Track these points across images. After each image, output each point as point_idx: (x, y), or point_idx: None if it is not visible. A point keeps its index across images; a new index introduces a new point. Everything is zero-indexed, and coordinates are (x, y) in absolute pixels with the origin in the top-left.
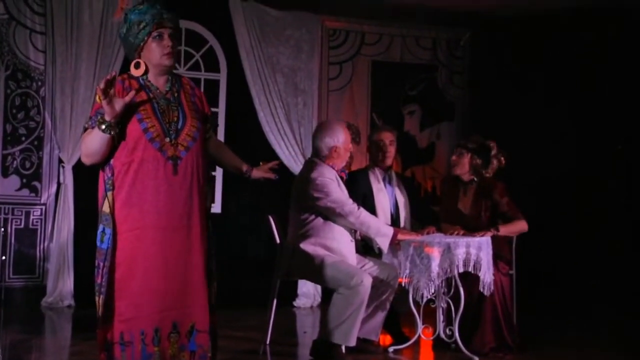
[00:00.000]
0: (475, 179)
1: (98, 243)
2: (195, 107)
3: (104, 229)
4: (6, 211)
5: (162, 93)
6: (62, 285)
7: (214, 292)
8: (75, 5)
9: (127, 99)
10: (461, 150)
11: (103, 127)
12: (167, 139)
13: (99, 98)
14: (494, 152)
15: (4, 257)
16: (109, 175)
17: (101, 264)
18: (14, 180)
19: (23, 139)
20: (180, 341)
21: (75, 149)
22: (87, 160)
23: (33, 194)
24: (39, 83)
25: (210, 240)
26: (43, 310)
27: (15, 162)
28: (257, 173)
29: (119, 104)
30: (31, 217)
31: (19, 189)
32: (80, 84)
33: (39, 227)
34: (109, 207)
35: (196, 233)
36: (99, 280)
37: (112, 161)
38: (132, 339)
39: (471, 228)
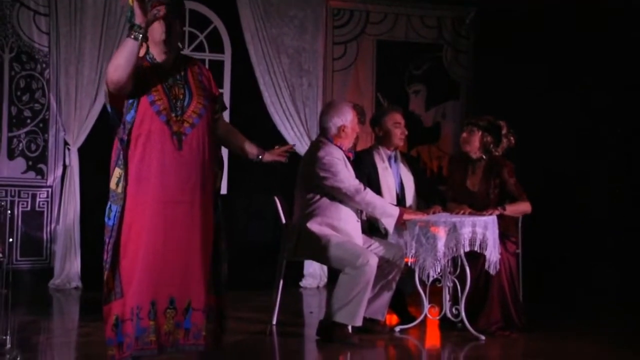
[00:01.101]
0: (484, 156)
1: (105, 219)
2: (202, 86)
3: (110, 205)
4: (12, 194)
5: (168, 70)
6: (69, 267)
7: (224, 273)
8: None
9: (160, 14)
10: (472, 128)
11: (133, 34)
12: (173, 115)
13: (131, 1)
14: (504, 131)
15: (11, 240)
16: (120, 150)
17: (107, 240)
18: (20, 163)
19: (28, 121)
20: (177, 318)
21: (81, 130)
22: (113, 76)
23: (39, 177)
24: (44, 65)
25: (218, 220)
26: (50, 292)
27: (20, 144)
28: (269, 157)
29: (150, 13)
30: (37, 199)
31: (25, 172)
32: (84, 66)
33: (45, 210)
34: (116, 183)
35: (198, 209)
36: (105, 257)
37: (123, 134)
38: (131, 315)
39: (479, 206)
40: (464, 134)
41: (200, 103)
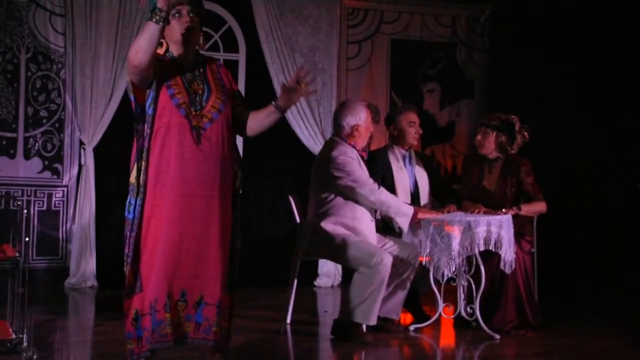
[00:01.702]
0: (501, 156)
1: (125, 213)
2: (221, 83)
3: (130, 199)
4: (29, 193)
5: (187, 66)
6: (84, 266)
7: (237, 269)
8: None
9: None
10: (485, 130)
11: (155, 17)
12: (192, 109)
13: None
14: (517, 127)
15: (27, 239)
16: (141, 145)
17: (128, 234)
18: (36, 163)
19: (44, 121)
20: (187, 311)
21: (96, 130)
22: (135, 59)
23: (55, 176)
24: (59, 65)
25: (236, 219)
26: (66, 291)
27: (36, 144)
28: (283, 100)
29: None
30: (53, 199)
31: (41, 171)
32: (100, 66)
33: (61, 209)
34: (136, 176)
35: (216, 204)
36: (126, 250)
37: (145, 127)
38: (149, 309)
39: (497, 204)
40: (478, 137)
41: (219, 98)
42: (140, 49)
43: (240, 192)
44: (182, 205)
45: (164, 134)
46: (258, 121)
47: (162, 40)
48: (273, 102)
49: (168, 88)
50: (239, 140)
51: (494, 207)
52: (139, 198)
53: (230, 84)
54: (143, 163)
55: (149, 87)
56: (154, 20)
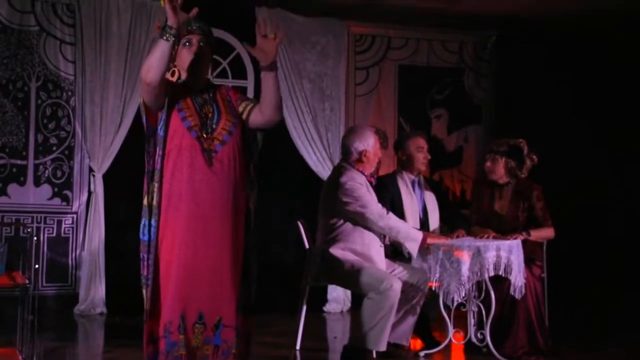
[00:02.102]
0: (511, 181)
1: (141, 236)
2: (230, 106)
3: (144, 221)
4: (38, 220)
5: (198, 92)
6: (94, 292)
7: (253, 293)
8: (104, 16)
9: (191, 14)
10: (494, 156)
11: (165, 35)
12: (204, 133)
13: (163, 2)
14: (525, 151)
15: (37, 266)
16: (152, 167)
17: (145, 256)
18: (46, 190)
19: (54, 148)
20: (206, 334)
21: (106, 157)
22: (147, 77)
23: (64, 203)
24: (69, 93)
25: (251, 240)
26: (76, 317)
27: (46, 171)
28: (264, 60)
29: (182, 15)
30: (63, 225)
31: (51, 198)
32: (109, 93)
33: (70, 236)
34: (149, 198)
35: (228, 227)
36: (145, 273)
37: (157, 148)
38: (163, 331)
39: (509, 229)
40: (488, 163)
41: (229, 121)
42: (152, 66)
43: (254, 212)
44: (194, 228)
45: (175, 156)
46: (264, 97)
47: (174, 68)
48: (262, 67)
49: (179, 111)
50: None
51: (506, 231)
52: (153, 219)
53: (237, 103)
54: (155, 184)
55: (161, 109)
56: (164, 37)
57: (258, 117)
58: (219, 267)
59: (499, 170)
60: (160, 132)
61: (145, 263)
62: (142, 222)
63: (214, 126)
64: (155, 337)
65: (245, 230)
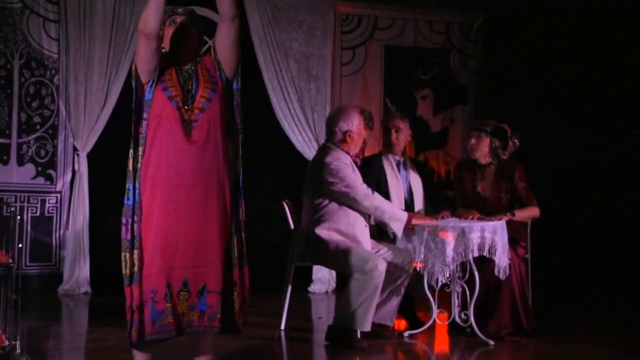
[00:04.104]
0: (493, 161)
1: (125, 201)
2: (209, 73)
3: (128, 185)
4: (22, 199)
5: (183, 66)
6: (78, 272)
7: (244, 243)
8: None
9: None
10: (479, 134)
11: None
12: (185, 105)
13: None
14: (509, 134)
15: (20, 245)
16: (137, 131)
17: (129, 220)
18: (30, 169)
19: (38, 127)
20: (191, 300)
21: (90, 136)
22: (145, 27)
23: (48, 182)
24: (53, 71)
25: (235, 192)
26: (60, 297)
27: (30, 150)
28: None
29: None
30: (47, 205)
31: (35, 177)
32: (93, 72)
33: (54, 215)
34: (133, 162)
35: (214, 193)
36: (125, 236)
37: (144, 113)
38: (146, 298)
39: (492, 211)
40: (472, 141)
41: (207, 88)
42: (149, 16)
43: (241, 172)
44: (176, 197)
45: (155, 126)
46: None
47: (163, 49)
48: None
49: (162, 82)
50: None
51: (489, 213)
52: (137, 182)
53: (215, 68)
54: (140, 149)
55: (152, 75)
56: None
57: (219, 34)
58: (203, 233)
59: (483, 149)
60: (148, 96)
61: (128, 227)
62: (127, 186)
63: (194, 97)
64: (139, 303)
65: (234, 190)
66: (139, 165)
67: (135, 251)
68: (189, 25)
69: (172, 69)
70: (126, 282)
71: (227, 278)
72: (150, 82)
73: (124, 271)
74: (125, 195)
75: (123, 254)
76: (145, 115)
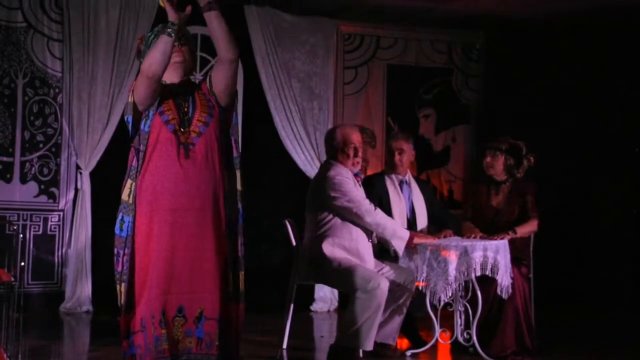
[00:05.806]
0: (508, 179)
1: (117, 231)
2: (205, 97)
3: (122, 217)
4: (25, 217)
5: (178, 89)
6: (80, 290)
7: (241, 280)
8: (92, 13)
9: (187, 12)
10: (495, 152)
11: (167, 30)
12: (181, 128)
13: (162, 1)
14: (524, 152)
15: (22, 263)
16: (135, 163)
17: (121, 252)
18: (32, 187)
19: (41, 145)
20: (187, 326)
21: (93, 154)
22: (149, 71)
23: (51, 200)
24: (57, 90)
25: (233, 226)
26: (61, 315)
27: (33, 168)
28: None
29: (181, 13)
30: (49, 223)
31: (37, 196)
32: (97, 91)
33: (57, 233)
34: (128, 194)
35: (210, 217)
36: (119, 268)
37: (140, 145)
38: (146, 324)
39: (503, 222)
40: (488, 159)
41: (204, 112)
42: (155, 60)
43: (241, 191)
44: (172, 220)
45: (151, 151)
46: (214, 40)
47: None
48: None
49: (159, 107)
50: None
51: (500, 223)
52: (131, 215)
53: (211, 94)
54: (134, 180)
55: (149, 108)
56: (166, 33)
57: (217, 71)
58: (199, 258)
59: (498, 167)
60: (145, 129)
61: (120, 259)
62: (119, 217)
63: (190, 120)
64: (130, 332)
65: (230, 215)
66: (130, 200)
67: (123, 284)
68: (188, 58)
69: (168, 94)
70: (121, 313)
71: (225, 305)
72: (147, 116)
73: (119, 302)
74: (118, 225)
75: (117, 286)
76: (142, 147)
